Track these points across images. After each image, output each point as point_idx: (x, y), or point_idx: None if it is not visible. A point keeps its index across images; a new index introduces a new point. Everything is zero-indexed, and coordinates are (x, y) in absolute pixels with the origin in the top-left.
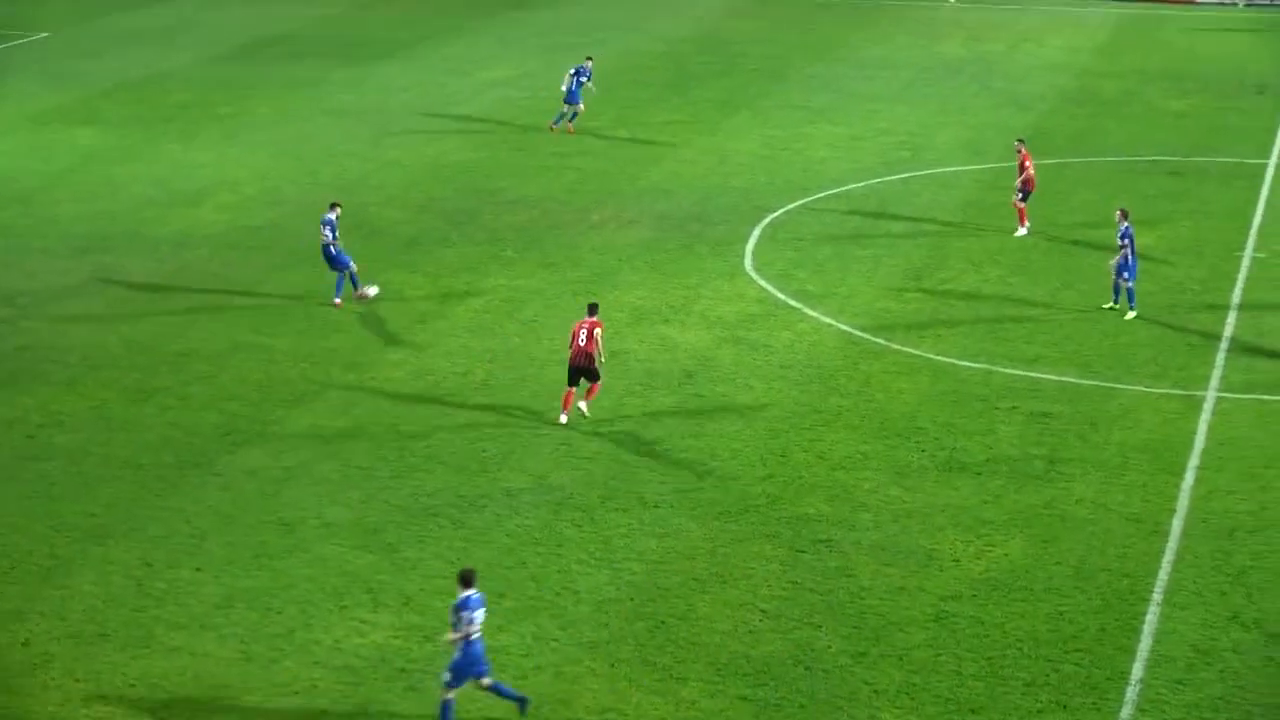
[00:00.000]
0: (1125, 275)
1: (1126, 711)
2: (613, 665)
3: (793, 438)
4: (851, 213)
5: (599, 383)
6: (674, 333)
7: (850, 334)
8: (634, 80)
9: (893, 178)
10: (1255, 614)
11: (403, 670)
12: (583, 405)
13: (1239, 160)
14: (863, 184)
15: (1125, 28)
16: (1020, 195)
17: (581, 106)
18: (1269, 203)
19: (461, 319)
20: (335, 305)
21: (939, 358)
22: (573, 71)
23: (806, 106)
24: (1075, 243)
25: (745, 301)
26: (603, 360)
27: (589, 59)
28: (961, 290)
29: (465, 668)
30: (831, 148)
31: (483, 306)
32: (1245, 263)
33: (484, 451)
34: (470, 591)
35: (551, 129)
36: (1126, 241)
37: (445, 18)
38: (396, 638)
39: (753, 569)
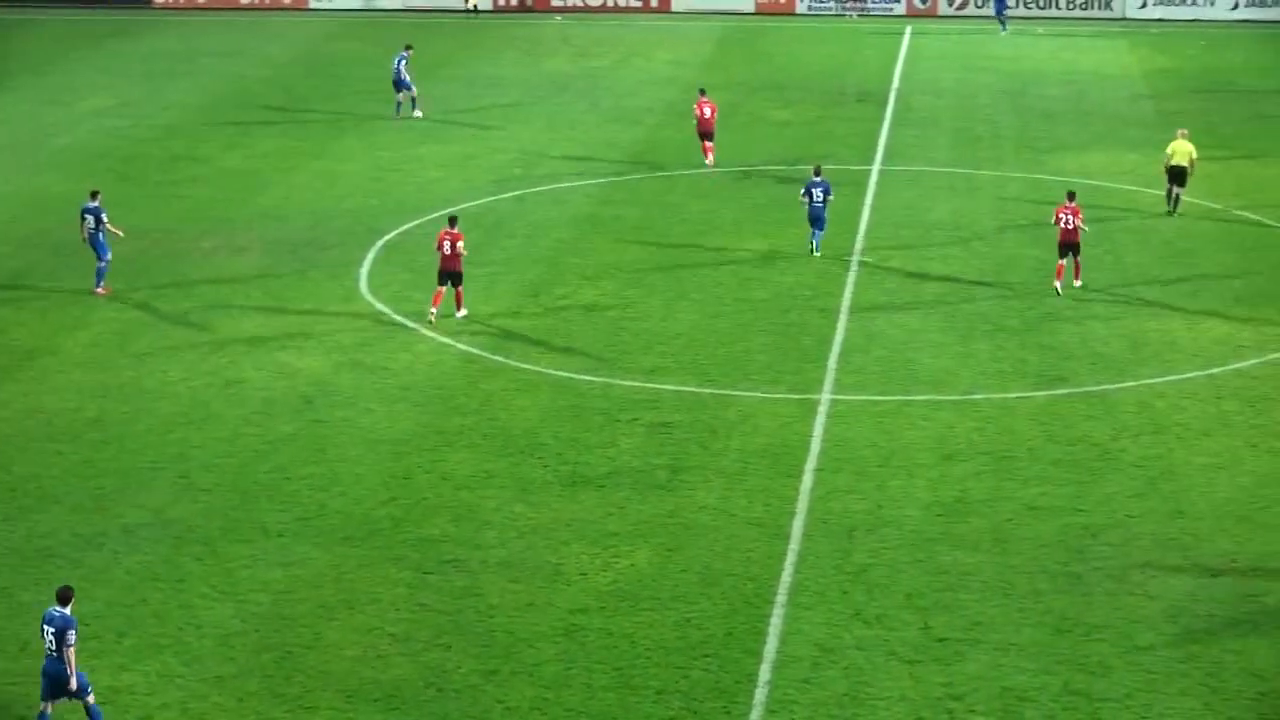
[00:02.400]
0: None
1: (756, 714)
2: (240, 700)
3: (415, 459)
4: (466, 231)
5: (462, 285)
6: (292, 359)
7: (469, 353)
8: (241, 105)
9: (505, 195)
10: (875, 610)
11: (23, 718)
12: (461, 313)
13: (843, 167)
14: (476, 202)
15: (728, 41)
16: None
17: (415, 91)
18: (874, 208)
19: (71, 354)
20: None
21: (558, 373)
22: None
23: (416, 127)
24: (689, 252)
25: (362, 324)
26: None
27: (409, 47)
28: (579, 305)
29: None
30: (443, 167)
31: (92, 340)
32: (853, 267)
33: (99, 488)
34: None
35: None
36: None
37: (42, 47)
38: (13, 684)
39: (379, 593)
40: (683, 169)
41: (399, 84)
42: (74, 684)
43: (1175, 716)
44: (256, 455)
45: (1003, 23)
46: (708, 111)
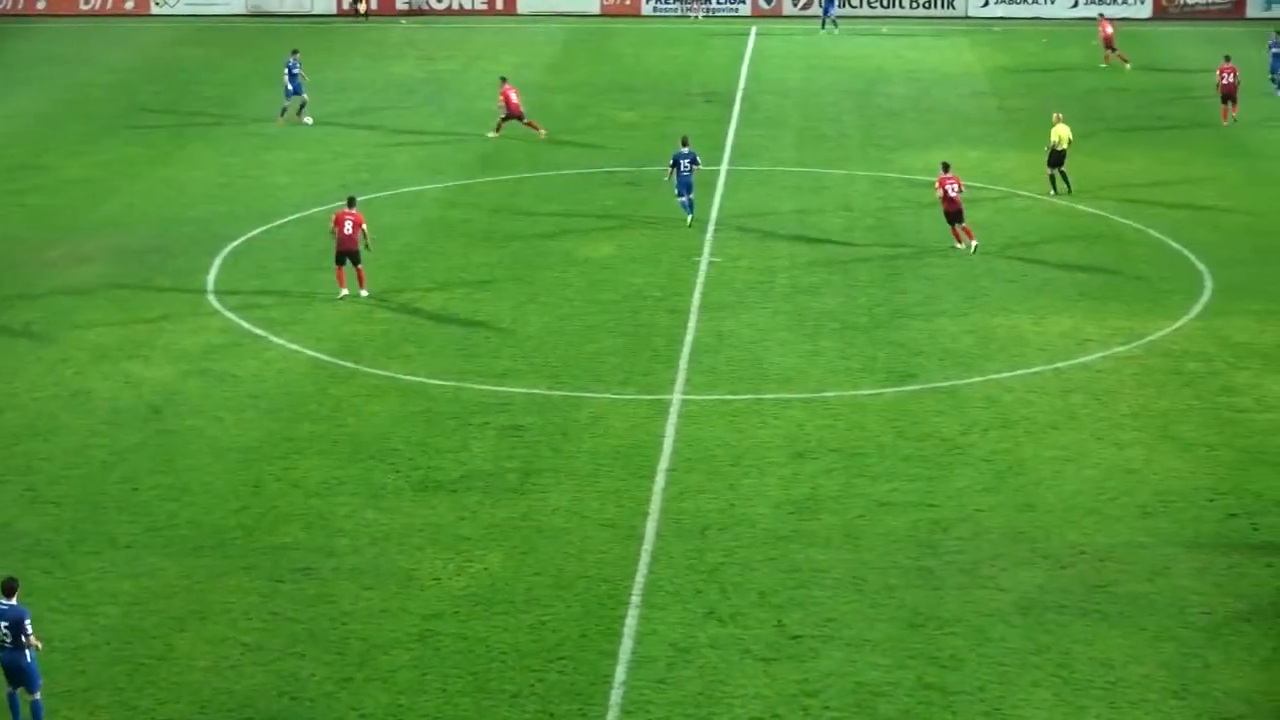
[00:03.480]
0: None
1: (612, 715)
2: (91, 713)
3: (265, 467)
4: (314, 237)
5: (361, 265)
6: (138, 368)
7: (318, 359)
8: (83, 113)
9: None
10: (730, 609)
11: None
12: (364, 292)
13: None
14: (324, 208)
15: (574, 43)
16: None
17: (305, 96)
18: (722, 208)
19: None
20: None
21: (409, 377)
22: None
23: (262, 133)
24: (538, 255)
25: (210, 332)
26: (368, 245)
27: (295, 52)
28: (428, 309)
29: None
30: (291, 173)
31: None
32: (703, 267)
33: None
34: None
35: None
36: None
37: None
38: None
39: (231, 603)
40: (530, 171)
41: (291, 88)
42: (34, 679)
43: (1028, 708)
44: (104, 466)
45: (833, 22)
46: (514, 97)
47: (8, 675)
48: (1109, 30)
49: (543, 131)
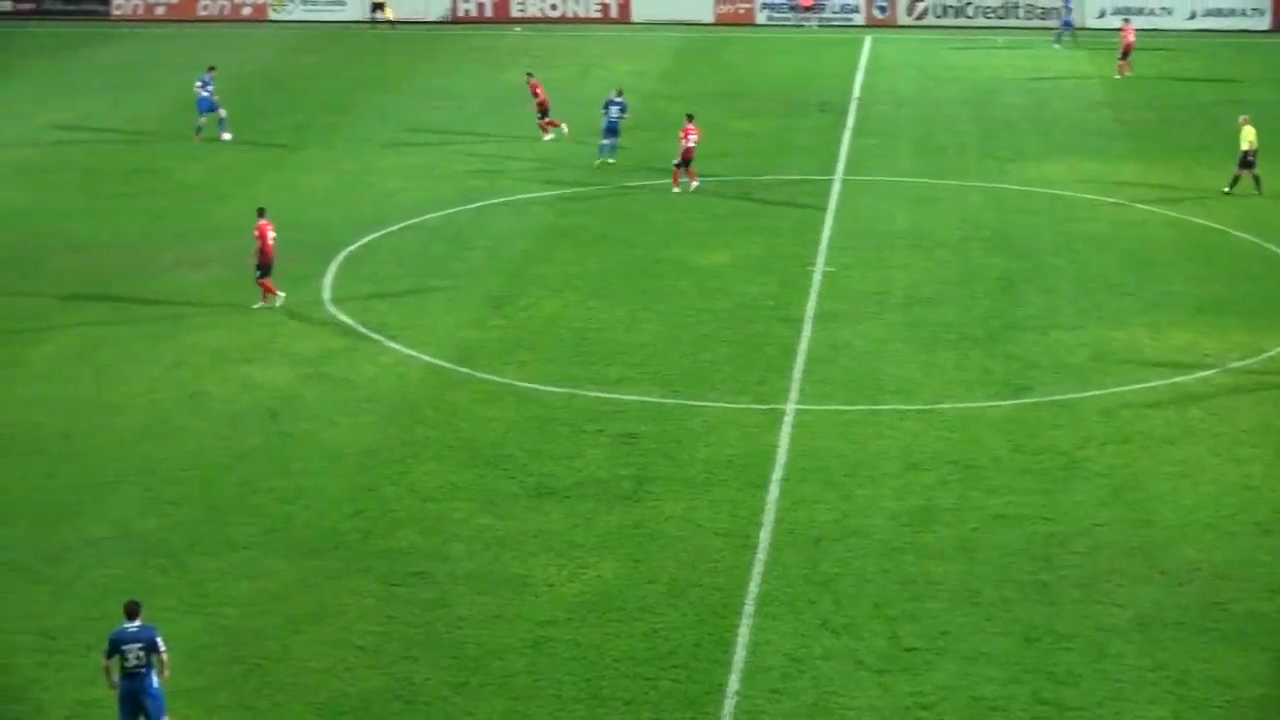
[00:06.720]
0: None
1: None
2: (210, 713)
3: (381, 471)
4: (429, 243)
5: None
6: (255, 372)
7: (434, 364)
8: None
9: (468, 207)
10: (844, 620)
11: None
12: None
13: (805, 177)
14: (439, 214)
15: (688, 52)
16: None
17: (222, 112)
18: (836, 217)
19: (33, 367)
20: None
21: (523, 384)
22: (200, 83)
23: (377, 139)
24: (653, 263)
25: (326, 337)
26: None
27: (212, 69)
28: (542, 316)
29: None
30: (405, 179)
31: (55, 353)
32: (816, 277)
33: (63, 502)
34: (125, 623)
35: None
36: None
37: (0, 60)
38: None
39: (347, 605)
40: (645, 179)
41: (204, 105)
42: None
43: None
44: (222, 468)
45: (1059, 38)
46: (541, 91)
47: (133, 707)
48: (1130, 39)
49: (565, 130)
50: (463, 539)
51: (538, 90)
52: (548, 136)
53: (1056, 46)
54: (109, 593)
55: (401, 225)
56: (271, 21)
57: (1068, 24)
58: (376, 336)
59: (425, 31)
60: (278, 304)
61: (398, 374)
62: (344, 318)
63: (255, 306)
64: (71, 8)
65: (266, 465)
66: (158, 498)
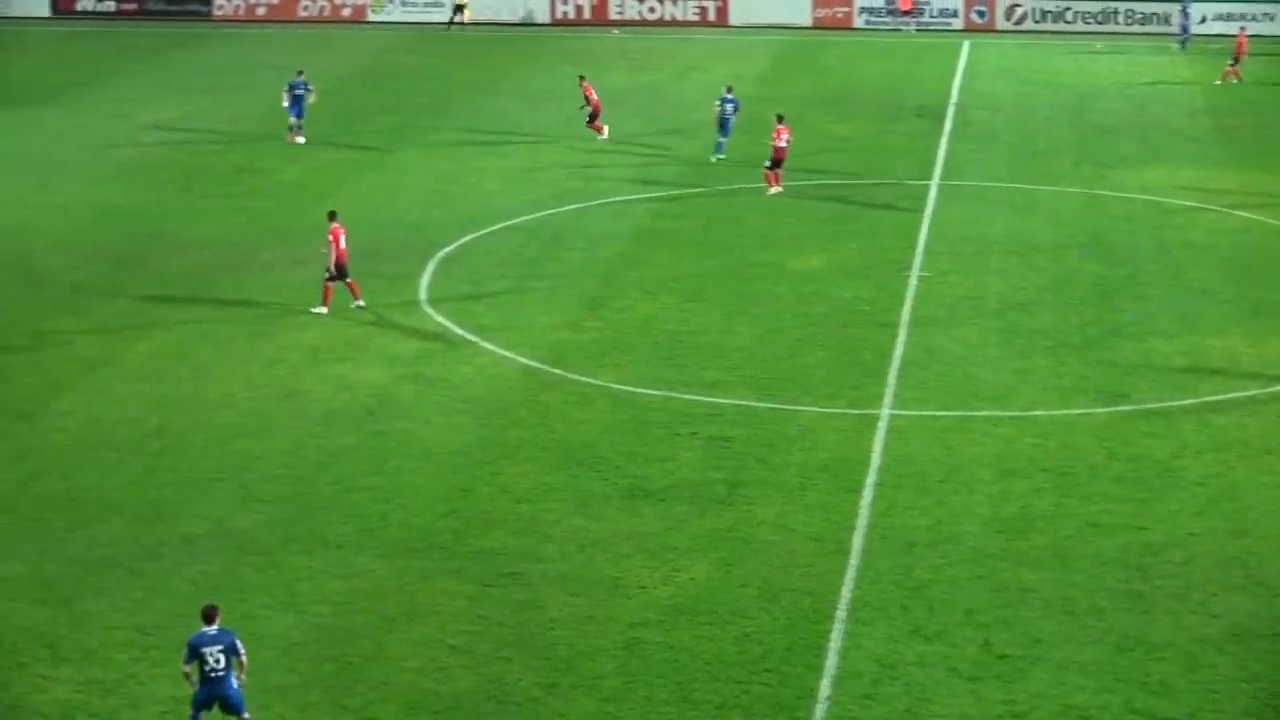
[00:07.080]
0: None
1: None
2: (302, 710)
3: (475, 472)
4: (525, 245)
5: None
6: (352, 371)
7: (528, 366)
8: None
9: (565, 209)
10: (936, 627)
11: None
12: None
13: (901, 181)
14: (535, 216)
15: (785, 55)
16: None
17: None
18: (933, 222)
19: (132, 365)
20: None
21: (618, 386)
22: (291, 86)
23: (475, 140)
24: (748, 266)
25: (422, 336)
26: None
27: (300, 72)
28: (637, 318)
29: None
30: (503, 180)
31: (154, 351)
32: (912, 282)
33: (160, 498)
34: (203, 628)
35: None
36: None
37: (104, 60)
38: (79, 692)
39: (440, 605)
40: (741, 183)
41: (295, 108)
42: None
43: None
44: (318, 466)
45: (1183, 42)
46: (594, 94)
47: (210, 707)
48: (1244, 45)
49: (605, 135)
50: (556, 540)
51: (590, 93)
52: (601, 137)
53: (1176, 48)
54: (204, 589)
55: (498, 226)
56: (371, 23)
57: (1185, 29)
58: (472, 337)
59: (523, 33)
60: (354, 306)
61: (492, 375)
62: (440, 318)
63: (353, 306)
64: (174, 8)
65: (361, 464)
66: (253, 495)
